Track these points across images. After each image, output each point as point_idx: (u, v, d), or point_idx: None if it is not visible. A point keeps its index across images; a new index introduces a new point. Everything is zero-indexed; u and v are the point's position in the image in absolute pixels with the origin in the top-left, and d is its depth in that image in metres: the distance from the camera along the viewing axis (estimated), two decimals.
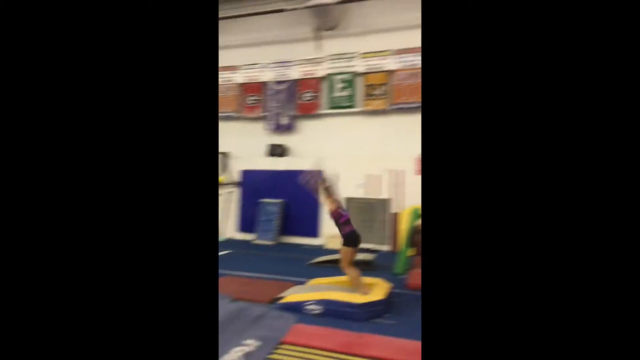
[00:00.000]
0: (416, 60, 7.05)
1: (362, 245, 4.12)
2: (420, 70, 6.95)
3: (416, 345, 2.62)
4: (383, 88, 7.39)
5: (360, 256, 5.00)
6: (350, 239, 3.70)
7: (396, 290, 4.28)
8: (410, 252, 5.44)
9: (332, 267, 5.13)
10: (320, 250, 7.16)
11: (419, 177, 7.00)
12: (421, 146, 1.27)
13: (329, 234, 7.29)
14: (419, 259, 5.23)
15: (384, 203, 7.43)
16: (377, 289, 3.93)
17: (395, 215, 7.09)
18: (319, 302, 3.63)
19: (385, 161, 7.31)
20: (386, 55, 7.31)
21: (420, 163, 7.05)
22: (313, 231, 7.87)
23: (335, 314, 3.53)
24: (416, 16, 7.02)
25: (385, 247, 7.22)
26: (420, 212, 5.54)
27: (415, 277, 4.72)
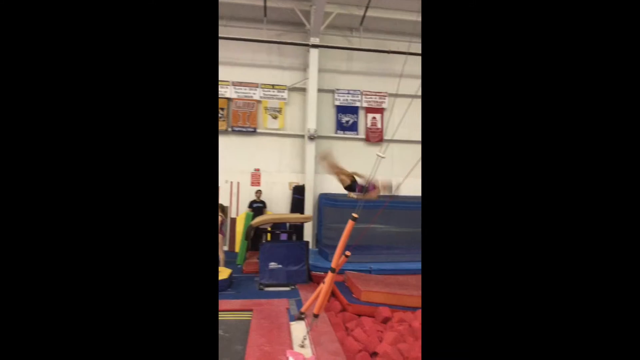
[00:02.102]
0: (250, 92, 8.66)
1: None
2: (253, 101, 8.61)
3: (246, 302, 4.38)
4: (222, 112, 8.70)
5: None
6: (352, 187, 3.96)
7: (235, 275, 5.70)
8: (245, 247, 6.93)
9: None
10: None
11: (253, 188, 8.62)
12: (421, 147, 1.30)
13: None
14: (250, 254, 6.79)
15: (224, 210, 8.68)
16: (222, 273, 5.24)
17: (234, 220, 8.46)
18: None
19: (225, 174, 8.59)
20: (226, 84, 8.65)
21: (253, 176, 8.66)
22: None
23: None
24: (251, 56, 8.65)
25: (225, 247, 8.47)
26: (251, 215, 7.13)
27: (247, 266, 6.26)
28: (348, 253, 3.42)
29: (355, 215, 3.09)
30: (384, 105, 8.89)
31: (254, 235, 6.48)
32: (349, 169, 9.07)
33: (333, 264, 3.29)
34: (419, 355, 3.35)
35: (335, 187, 8.81)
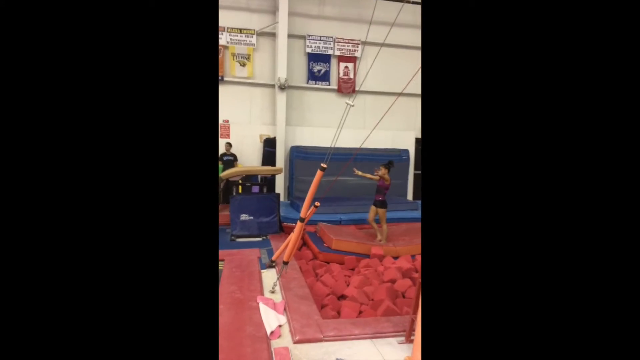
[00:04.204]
0: None
1: None
2: (219, 46, 8.08)
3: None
4: None
5: None
6: (384, 203, 5.40)
7: None
8: None
9: None
10: None
11: (222, 140, 8.36)
12: (422, 147, 1.49)
13: None
14: (222, 206, 6.75)
15: None
16: None
17: None
18: None
19: None
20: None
21: (222, 128, 8.38)
22: None
23: None
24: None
25: None
26: (221, 168, 6.99)
27: (219, 218, 6.27)
28: (317, 203, 3.47)
29: (323, 165, 3.08)
30: (356, 54, 8.61)
31: (225, 188, 6.42)
32: (320, 121, 8.82)
33: (302, 214, 3.33)
34: (383, 297, 3.57)
35: (306, 139, 8.73)
